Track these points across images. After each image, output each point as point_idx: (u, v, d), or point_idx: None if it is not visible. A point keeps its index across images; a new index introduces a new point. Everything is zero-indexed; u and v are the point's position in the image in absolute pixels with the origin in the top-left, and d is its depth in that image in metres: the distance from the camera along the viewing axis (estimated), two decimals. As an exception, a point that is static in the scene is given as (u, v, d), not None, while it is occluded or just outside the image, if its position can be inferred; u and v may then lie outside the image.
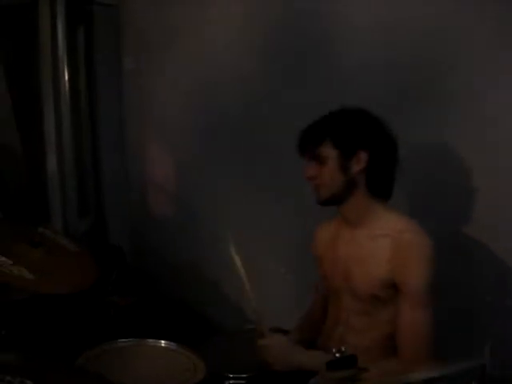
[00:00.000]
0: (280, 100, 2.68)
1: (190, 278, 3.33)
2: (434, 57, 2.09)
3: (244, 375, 1.82)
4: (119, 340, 1.87)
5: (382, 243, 1.73)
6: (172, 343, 1.86)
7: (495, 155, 1.94)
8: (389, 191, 1.81)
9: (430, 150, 2.15)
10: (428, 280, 1.65)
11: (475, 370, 1.30)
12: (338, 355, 1.27)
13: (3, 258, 1.84)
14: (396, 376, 1.51)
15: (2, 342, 1.87)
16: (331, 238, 1.94)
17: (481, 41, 1.95)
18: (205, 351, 1.84)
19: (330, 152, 1.74)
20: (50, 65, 3.27)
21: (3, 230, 2.14)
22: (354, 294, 1.80)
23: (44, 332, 2.16)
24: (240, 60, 2.91)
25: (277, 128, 2.64)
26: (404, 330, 1.67)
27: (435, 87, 2.10)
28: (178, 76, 3.39)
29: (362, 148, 1.73)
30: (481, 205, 2.00)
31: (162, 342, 1.87)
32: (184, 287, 3.34)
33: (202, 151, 3.24)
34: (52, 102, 3.30)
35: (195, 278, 3.31)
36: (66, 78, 3.34)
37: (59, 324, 2.33)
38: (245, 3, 2.87)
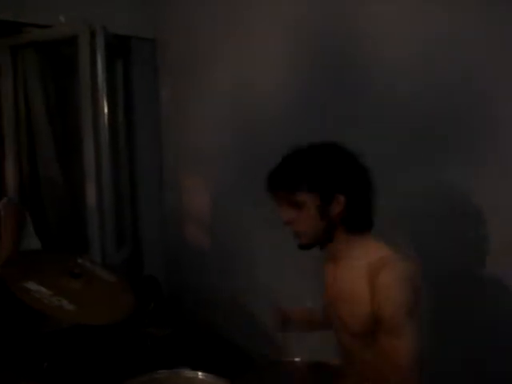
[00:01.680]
0: (319, 128, 2.68)
1: (227, 309, 3.33)
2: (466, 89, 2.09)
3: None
4: (157, 371, 1.86)
5: (359, 273, 1.64)
6: (209, 374, 1.85)
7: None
8: (369, 223, 1.74)
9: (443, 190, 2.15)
10: (404, 305, 1.55)
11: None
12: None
13: (43, 289, 1.86)
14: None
15: (45, 375, 1.89)
16: (326, 271, 1.88)
17: None
18: (241, 383, 1.82)
19: (306, 197, 1.66)
20: (90, 98, 3.33)
21: (43, 260, 2.17)
22: (347, 331, 1.72)
23: (83, 364, 2.17)
24: (276, 89, 2.93)
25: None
26: (382, 360, 1.58)
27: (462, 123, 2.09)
28: (214, 106, 3.42)
29: (339, 191, 1.65)
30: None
31: (199, 373, 1.86)
32: (220, 318, 3.33)
33: (239, 183, 3.24)
34: (92, 134, 3.36)
35: (231, 310, 3.30)
36: (106, 110, 3.40)
37: (97, 356, 2.34)
38: (282, 30, 2.89)
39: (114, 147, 3.64)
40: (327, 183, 1.66)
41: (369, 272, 1.61)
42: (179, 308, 3.59)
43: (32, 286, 1.86)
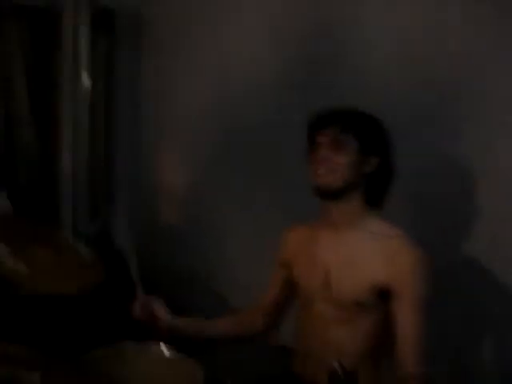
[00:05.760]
0: (296, 115, 2.69)
1: (192, 285, 3.33)
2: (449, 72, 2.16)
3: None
4: (123, 342, 1.85)
5: (372, 247, 1.72)
6: (173, 350, 1.84)
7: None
8: (382, 202, 1.83)
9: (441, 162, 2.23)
10: (427, 286, 1.66)
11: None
12: (339, 369, 1.27)
13: (5, 252, 1.83)
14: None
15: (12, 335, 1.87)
16: (305, 242, 1.91)
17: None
18: (206, 360, 1.82)
19: (351, 141, 1.74)
20: (71, 67, 3.34)
21: (13, 225, 2.14)
22: (335, 301, 1.76)
23: (49, 331, 2.17)
24: (259, 70, 2.94)
25: (291, 144, 2.64)
26: (407, 335, 1.65)
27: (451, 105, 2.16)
28: (194, 85, 3.40)
29: (376, 153, 1.76)
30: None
31: (164, 347, 1.85)
32: (186, 295, 3.33)
33: (215, 160, 3.26)
34: (71, 103, 3.36)
35: (197, 287, 3.30)
36: (86, 81, 3.41)
37: (63, 324, 2.33)
38: (269, 14, 2.90)
39: (93, 116, 3.61)
40: (372, 140, 1.77)
41: (384, 245, 1.71)
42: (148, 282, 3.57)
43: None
